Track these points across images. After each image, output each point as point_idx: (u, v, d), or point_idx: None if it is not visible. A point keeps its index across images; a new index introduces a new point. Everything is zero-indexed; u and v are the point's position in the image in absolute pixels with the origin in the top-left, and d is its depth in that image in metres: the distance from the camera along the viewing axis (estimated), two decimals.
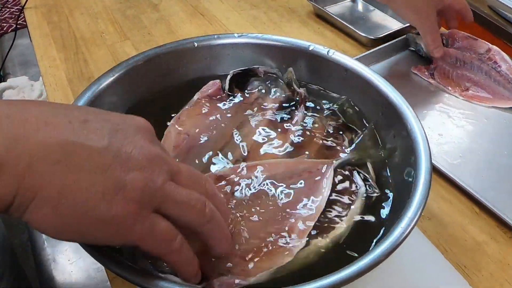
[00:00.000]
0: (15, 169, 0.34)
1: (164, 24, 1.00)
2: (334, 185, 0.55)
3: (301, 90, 0.63)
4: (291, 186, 0.54)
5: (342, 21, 0.96)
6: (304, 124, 0.61)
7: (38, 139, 0.35)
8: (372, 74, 0.62)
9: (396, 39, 0.92)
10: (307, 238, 0.49)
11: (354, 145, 0.59)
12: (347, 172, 0.56)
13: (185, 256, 0.42)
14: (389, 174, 0.57)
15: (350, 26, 0.94)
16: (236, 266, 0.46)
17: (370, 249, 0.44)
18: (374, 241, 0.49)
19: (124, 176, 0.37)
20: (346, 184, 0.55)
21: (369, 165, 0.57)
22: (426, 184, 0.48)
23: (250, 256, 0.47)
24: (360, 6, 1.06)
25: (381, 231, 0.51)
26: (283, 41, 0.66)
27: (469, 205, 0.68)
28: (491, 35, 0.92)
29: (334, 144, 0.60)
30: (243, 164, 0.55)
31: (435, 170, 0.71)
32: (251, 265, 0.46)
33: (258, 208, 0.51)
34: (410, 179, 0.51)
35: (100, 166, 0.36)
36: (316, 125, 0.62)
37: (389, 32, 0.94)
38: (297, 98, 0.64)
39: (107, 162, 0.37)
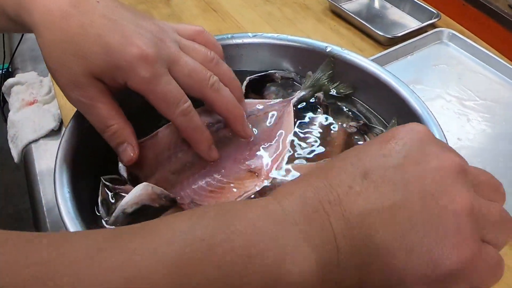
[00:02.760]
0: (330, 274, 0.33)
1: (176, 20, 0.98)
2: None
3: (319, 94, 0.61)
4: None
5: (358, 19, 0.93)
6: (325, 127, 0.59)
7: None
8: (391, 77, 0.59)
9: (415, 38, 0.90)
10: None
11: (308, 81, 0.61)
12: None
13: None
14: None
15: (367, 24, 0.92)
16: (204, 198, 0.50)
17: None
18: None
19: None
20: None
21: None
22: None
23: (215, 190, 0.50)
24: (376, 3, 1.03)
25: None
26: (299, 42, 0.64)
27: None
28: None
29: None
30: None
31: None
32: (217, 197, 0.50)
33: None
34: None
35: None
36: (337, 127, 0.59)
37: (407, 31, 0.92)
38: (314, 101, 0.61)
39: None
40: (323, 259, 0.32)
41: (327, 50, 0.62)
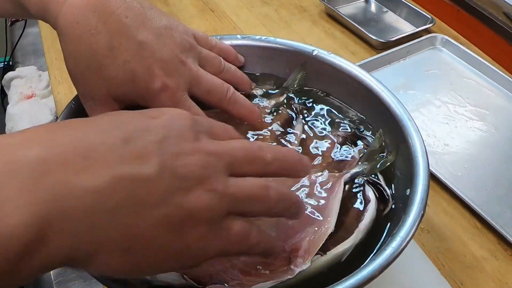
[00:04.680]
0: (66, 228, 0.30)
1: None
2: (343, 199, 0.52)
3: (297, 105, 0.62)
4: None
5: (353, 22, 0.94)
6: (311, 136, 0.59)
7: (84, 185, 0.31)
8: (375, 82, 0.60)
9: (408, 43, 0.90)
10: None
11: (364, 155, 0.57)
12: (357, 185, 0.54)
13: (264, 244, 0.42)
14: (394, 185, 0.55)
15: (361, 28, 0.92)
16: (233, 279, 0.45)
17: (358, 270, 0.43)
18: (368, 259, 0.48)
19: (187, 201, 0.35)
20: (357, 198, 0.53)
21: (380, 177, 0.55)
22: (420, 204, 0.47)
23: (249, 270, 0.46)
24: (373, 7, 1.03)
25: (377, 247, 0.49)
26: (286, 45, 0.64)
27: (471, 220, 0.66)
28: (506, 43, 0.89)
29: (344, 156, 0.58)
30: None
31: (438, 182, 0.69)
32: (248, 279, 0.45)
33: (262, 223, 0.49)
34: (408, 195, 0.50)
35: (160, 196, 0.34)
36: (324, 136, 0.59)
37: (401, 35, 0.92)
38: (294, 111, 0.62)
39: (164, 189, 0.34)
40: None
41: (313, 54, 0.63)
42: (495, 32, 0.91)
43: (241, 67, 0.63)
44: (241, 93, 0.59)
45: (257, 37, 0.66)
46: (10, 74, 1.16)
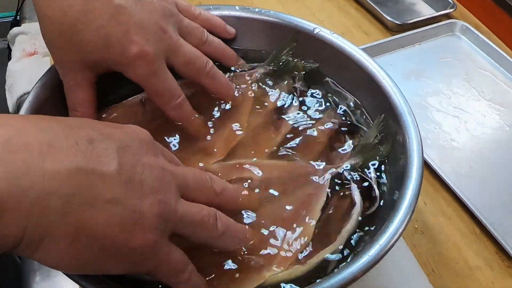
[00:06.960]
0: (22, 205, 0.30)
1: None
2: (328, 199, 0.48)
3: (297, 85, 0.57)
4: (282, 199, 0.47)
5: (369, 0, 0.88)
6: (304, 122, 0.55)
7: (45, 167, 0.31)
8: (377, 68, 0.55)
9: (425, 27, 0.85)
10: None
11: (358, 146, 0.53)
12: (345, 182, 0.50)
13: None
14: (385, 181, 0.51)
15: (376, 7, 0.87)
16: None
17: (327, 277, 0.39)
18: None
19: (141, 204, 0.35)
20: (342, 200, 0.49)
21: (372, 171, 0.51)
22: (406, 212, 0.42)
23: (217, 272, 0.42)
24: None
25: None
26: (286, 20, 0.60)
27: (469, 224, 0.62)
28: None
29: (337, 146, 0.53)
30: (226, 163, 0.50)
31: (439, 179, 0.65)
32: (216, 283, 0.42)
33: (240, 220, 0.46)
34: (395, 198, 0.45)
35: (115, 195, 0.34)
36: (319, 123, 0.55)
37: (418, 18, 0.86)
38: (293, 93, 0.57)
39: (122, 189, 0.35)
40: None
41: (314, 32, 0.58)
42: None
43: (231, 41, 0.59)
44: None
45: (256, 9, 0.61)
46: (15, 29, 1.13)
